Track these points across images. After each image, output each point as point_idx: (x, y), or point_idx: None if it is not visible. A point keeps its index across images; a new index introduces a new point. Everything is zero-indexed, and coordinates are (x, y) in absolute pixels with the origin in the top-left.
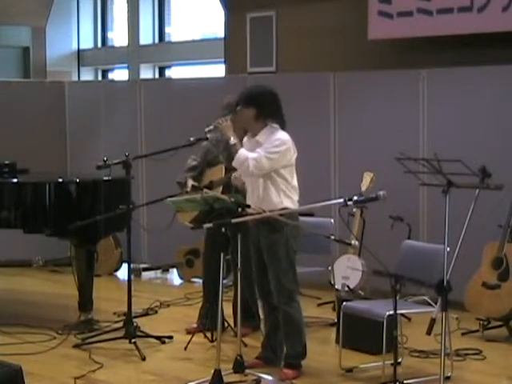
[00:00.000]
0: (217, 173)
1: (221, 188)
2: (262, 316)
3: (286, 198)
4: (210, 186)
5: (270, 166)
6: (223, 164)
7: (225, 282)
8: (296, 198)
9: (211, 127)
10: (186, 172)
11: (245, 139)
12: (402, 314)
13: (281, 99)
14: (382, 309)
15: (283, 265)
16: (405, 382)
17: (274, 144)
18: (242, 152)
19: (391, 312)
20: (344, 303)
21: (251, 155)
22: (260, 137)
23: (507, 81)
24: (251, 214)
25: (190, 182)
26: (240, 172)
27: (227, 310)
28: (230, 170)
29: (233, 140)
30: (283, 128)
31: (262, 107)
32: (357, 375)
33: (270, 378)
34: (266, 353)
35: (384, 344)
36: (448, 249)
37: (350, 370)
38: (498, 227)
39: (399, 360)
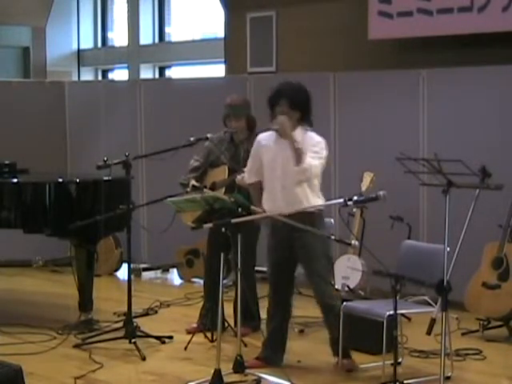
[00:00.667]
0: (220, 174)
1: (223, 189)
2: (266, 315)
3: (319, 198)
4: (213, 187)
5: (321, 169)
6: (226, 164)
7: (225, 282)
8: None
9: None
10: (189, 173)
11: (270, 138)
12: (403, 314)
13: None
14: (381, 309)
15: (323, 262)
16: (405, 382)
17: (320, 147)
18: (309, 160)
19: (391, 312)
20: (344, 303)
21: (313, 162)
22: (296, 136)
23: (507, 81)
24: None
25: (192, 182)
26: (301, 177)
27: (228, 309)
28: (233, 170)
29: (297, 144)
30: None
31: (307, 112)
32: (357, 375)
33: (270, 378)
34: (267, 352)
35: (384, 344)
36: (448, 249)
37: (349, 370)
38: (498, 227)
39: (399, 360)
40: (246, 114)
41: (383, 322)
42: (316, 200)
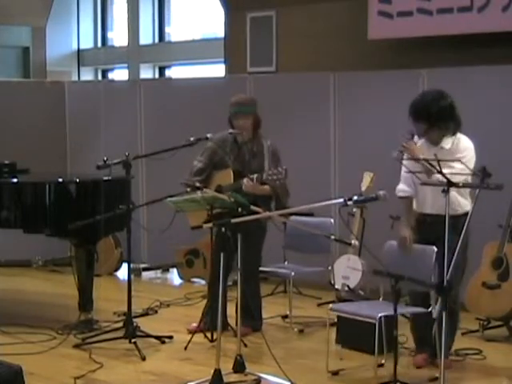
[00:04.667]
0: (225, 177)
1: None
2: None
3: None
4: (219, 191)
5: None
6: (230, 167)
7: (229, 282)
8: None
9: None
10: (193, 175)
11: (420, 142)
12: (402, 314)
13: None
14: (372, 310)
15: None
16: (405, 381)
17: (471, 155)
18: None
19: (383, 314)
20: (330, 305)
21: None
22: (445, 144)
23: (507, 81)
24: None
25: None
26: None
27: (230, 310)
28: (238, 173)
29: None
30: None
31: (434, 120)
32: (355, 375)
33: (270, 377)
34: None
35: (376, 345)
36: (435, 249)
37: (342, 370)
38: (498, 227)
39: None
40: (253, 112)
41: (375, 324)
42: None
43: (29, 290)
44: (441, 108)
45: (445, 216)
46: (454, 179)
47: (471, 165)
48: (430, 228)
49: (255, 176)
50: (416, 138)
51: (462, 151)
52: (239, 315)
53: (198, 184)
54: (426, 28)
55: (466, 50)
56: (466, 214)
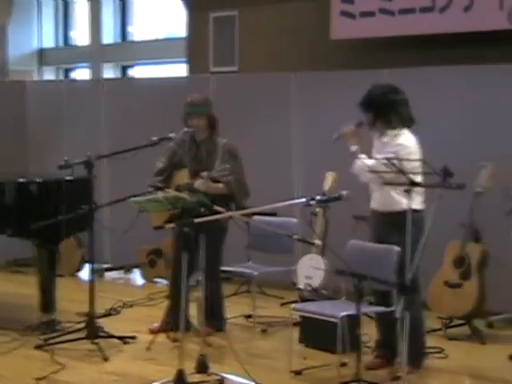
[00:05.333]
0: (183, 176)
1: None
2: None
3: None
4: (178, 190)
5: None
6: (188, 166)
7: (190, 282)
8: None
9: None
10: (155, 176)
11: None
12: (365, 313)
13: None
14: (334, 310)
15: None
16: (368, 380)
17: (406, 151)
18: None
19: (345, 313)
20: (293, 305)
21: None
22: (386, 139)
23: (469, 81)
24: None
25: (156, 185)
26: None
27: (192, 309)
28: (196, 172)
29: (352, 148)
30: (409, 126)
31: (381, 110)
32: (318, 374)
33: (233, 377)
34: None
35: (339, 344)
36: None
37: (305, 369)
38: (460, 226)
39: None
40: (207, 112)
41: (337, 323)
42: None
43: None
44: (387, 101)
45: (384, 213)
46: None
47: (405, 162)
48: (374, 224)
49: (205, 174)
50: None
51: (393, 147)
52: (202, 315)
53: (159, 184)
54: (388, 28)
55: (427, 50)
56: (405, 211)
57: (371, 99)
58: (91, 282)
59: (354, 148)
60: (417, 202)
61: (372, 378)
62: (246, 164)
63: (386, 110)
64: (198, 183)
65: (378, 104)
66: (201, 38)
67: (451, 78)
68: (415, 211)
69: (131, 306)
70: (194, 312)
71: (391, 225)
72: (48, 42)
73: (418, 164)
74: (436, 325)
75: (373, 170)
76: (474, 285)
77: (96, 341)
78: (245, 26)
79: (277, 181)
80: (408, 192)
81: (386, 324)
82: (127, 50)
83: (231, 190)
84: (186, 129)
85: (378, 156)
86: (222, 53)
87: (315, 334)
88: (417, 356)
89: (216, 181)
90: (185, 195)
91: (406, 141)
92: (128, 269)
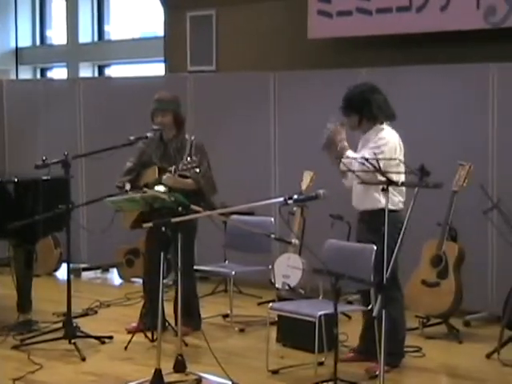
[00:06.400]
0: (151, 174)
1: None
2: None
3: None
4: (146, 188)
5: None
6: (156, 164)
7: (165, 281)
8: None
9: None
10: (123, 175)
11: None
12: (342, 312)
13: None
14: (311, 309)
15: None
16: (345, 379)
17: (389, 146)
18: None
19: (323, 312)
20: (270, 304)
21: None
22: (367, 132)
23: (445, 80)
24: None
25: (128, 186)
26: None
27: (168, 309)
28: (163, 170)
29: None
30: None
31: (367, 111)
32: (295, 373)
33: (210, 377)
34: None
35: (317, 344)
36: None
37: (282, 369)
38: (436, 225)
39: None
40: (172, 110)
41: (315, 323)
42: (381, 198)
43: None
44: (369, 99)
45: (361, 212)
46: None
47: (386, 155)
48: (357, 223)
49: (172, 168)
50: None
51: (376, 141)
52: (179, 314)
53: (128, 185)
54: (365, 27)
55: (405, 49)
56: (381, 209)
57: (352, 101)
58: (68, 281)
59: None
60: (395, 201)
61: (349, 377)
62: (224, 163)
63: (369, 108)
64: (166, 178)
65: (361, 103)
66: (178, 37)
67: (428, 77)
68: (393, 211)
69: (108, 305)
70: (170, 311)
71: (368, 223)
72: (25, 41)
73: (397, 162)
74: (413, 324)
75: (349, 169)
76: (451, 284)
77: (73, 341)
78: (222, 25)
79: (254, 180)
80: (385, 191)
81: (367, 321)
82: (104, 49)
83: (199, 184)
84: (154, 127)
85: (357, 155)
86: (200, 52)
87: (293, 333)
88: (393, 355)
89: (184, 177)
90: (163, 195)
91: (388, 136)
92: (105, 268)
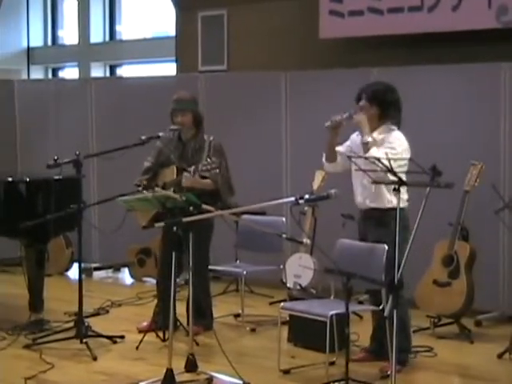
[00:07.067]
0: (169, 174)
1: (172, 189)
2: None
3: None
4: (164, 188)
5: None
6: (175, 164)
7: (177, 281)
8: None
9: (346, 114)
10: (142, 175)
11: (355, 134)
12: (354, 312)
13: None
14: (322, 309)
15: None
16: (356, 379)
17: (398, 144)
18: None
19: (335, 311)
20: (281, 304)
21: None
22: (376, 135)
23: (456, 80)
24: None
25: (144, 183)
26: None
27: (180, 309)
28: (181, 170)
29: (366, 138)
30: (399, 128)
31: (387, 109)
32: (307, 373)
33: (222, 376)
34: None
35: (328, 343)
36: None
37: (293, 368)
38: (448, 225)
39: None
40: (192, 109)
41: (326, 322)
42: (392, 197)
43: None
44: (394, 98)
45: (371, 210)
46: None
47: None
48: (360, 223)
49: (192, 168)
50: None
51: (391, 142)
52: (191, 314)
53: (145, 182)
54: (376, 27)
55: (416, 49)
56: (393, 208)
57: (380, 93)
58: (80, 281)
59: (369, 138)
60: (404, 199)
61: (361, 377)
62: (235, 163)
63: (394, 107)
64: (185, 178)
65: (386, 99)
66: (189, 37)
67: (440, 77)
68: (401, 209)
69: (120, 305)
70: (182, 311)
71: (377, 220)
72: (36, 41)
73: (405, 162)
74: (425, 323)
75: (361, 169)
76: (463, 283)
77: (84, 340)
78: (233, 24)
79: (266, 180)
80: (397, 191)
81: (377, 321)
82: (115, 49)
83: (217, 185)
84: (172, 126)
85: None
86: (211, 52)
87: (304, 332)
88: (402, 353)
89: (203, 177)
90: (174, 194)
91: (400, 136)
92: (117, 268)
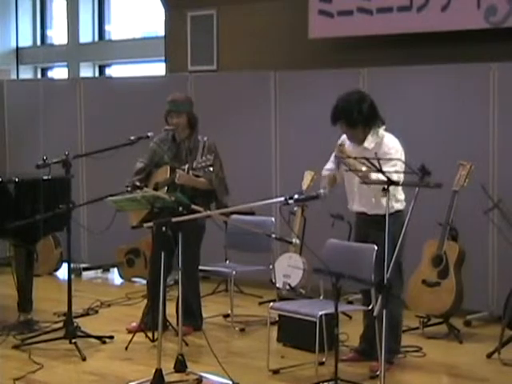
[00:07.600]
0: (162, 174)
1: (165, 188)
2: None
3: (396, 202)
4: (156, 188)
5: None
6: (168, 164)
7: (167, 281)
8: (403, 197)
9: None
10: (134, 175)
11: (347, 143)
12: (343, 312)
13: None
14: (312, 309)
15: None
16: (346, 379)
17: (394, 151)
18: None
19: (324, 312)
20: (271, 304)
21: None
22: (368, 144)
23: (445, 80)
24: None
25: (135, 183)
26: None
27: (170, 309)
28: (175, 170)
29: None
30: (384, 123)
31: (370, 120)
32: (296, 373)
33: (211, 376)
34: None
35: (317, 343)
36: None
37: (283, 368)
38: (437, 225)
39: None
40: (187, 111)
41: (316, 322)
42: (393, 203)
43: None
44: (370, 108)
45: (370, 215)
46: (393, 178)
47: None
48: (358, 226)
49: (186, 166)
50: (347, 142)
51: (387, 151)
52: (180, 314)
53: (136, 183)
54: (366, 27)
55: (405, 49)
56: (394, 212)
57: (354, 113)
58: (69, 281)
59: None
60: (401, 200)
61: (350, 377)
62: (225, 163)
63: (371, 113)
64: (179, 175)
65: (364, 112)
66: (179, 37)
67: (429, 77)
68: (400, 210)
69: (109, 305)
70: (171, 311)
71: (382, 224)
72: (25, 41)
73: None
74: (414, 323)
75: (350, 169)
76: (452, 283)
77: (74, 340)
78: (223, 24)
79: (255, 180)
80: (385, 191)
81: (369, 321)
82: (105, 49)
83: (212, 184)
84: (166, 127)
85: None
86: (201, 52)
87: (293, 332)
88: (392, 353)
89: (197, 176)
90: (164, 195)
91: (394, 142)
92: (106, 268)
